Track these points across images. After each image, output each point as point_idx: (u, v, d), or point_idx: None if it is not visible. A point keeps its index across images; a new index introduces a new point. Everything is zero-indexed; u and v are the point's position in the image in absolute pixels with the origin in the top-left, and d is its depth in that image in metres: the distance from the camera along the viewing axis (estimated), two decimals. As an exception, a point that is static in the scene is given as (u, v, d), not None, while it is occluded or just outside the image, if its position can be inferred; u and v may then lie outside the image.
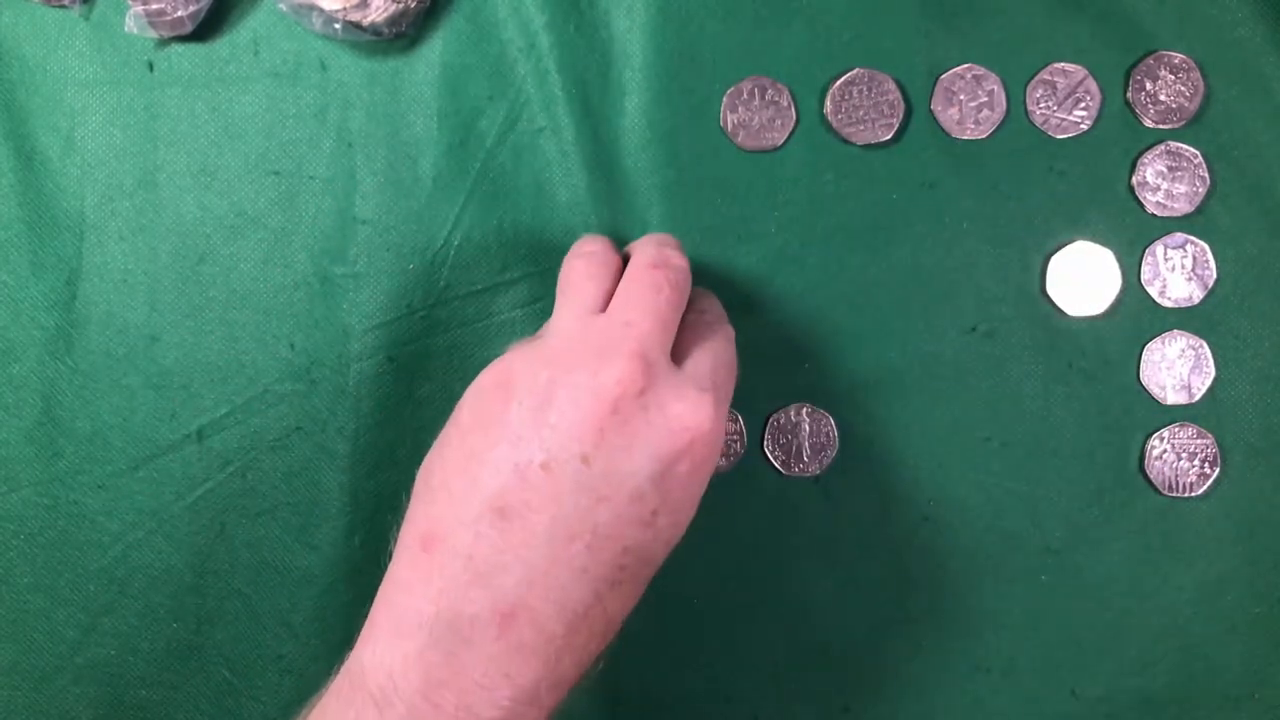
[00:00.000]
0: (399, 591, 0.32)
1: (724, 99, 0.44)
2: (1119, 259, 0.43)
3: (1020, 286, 0.44)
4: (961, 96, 0.44)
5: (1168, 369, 0.43)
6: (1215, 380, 0.43)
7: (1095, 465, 0.43)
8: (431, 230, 0.44)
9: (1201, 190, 0.43)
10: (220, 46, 0.44)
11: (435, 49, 0.44)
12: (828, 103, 0.44)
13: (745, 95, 0.44)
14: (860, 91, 0.43)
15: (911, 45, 0.44)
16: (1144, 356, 0.43)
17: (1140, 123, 0.44)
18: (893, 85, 0.43)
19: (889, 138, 0.44)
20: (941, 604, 0.43)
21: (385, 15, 0.41)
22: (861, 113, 0.43)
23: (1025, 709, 0.43)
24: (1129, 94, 0.44)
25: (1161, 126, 0.44)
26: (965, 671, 0.43)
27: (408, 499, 0.33)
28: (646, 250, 0.36)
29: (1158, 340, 0.43)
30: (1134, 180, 0.44)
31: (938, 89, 0.44)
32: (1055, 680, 0.43)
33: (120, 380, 0.44)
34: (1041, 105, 0.44)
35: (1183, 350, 0.43)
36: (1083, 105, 0.44)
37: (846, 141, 0.44)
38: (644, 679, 0.43)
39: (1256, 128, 0.44)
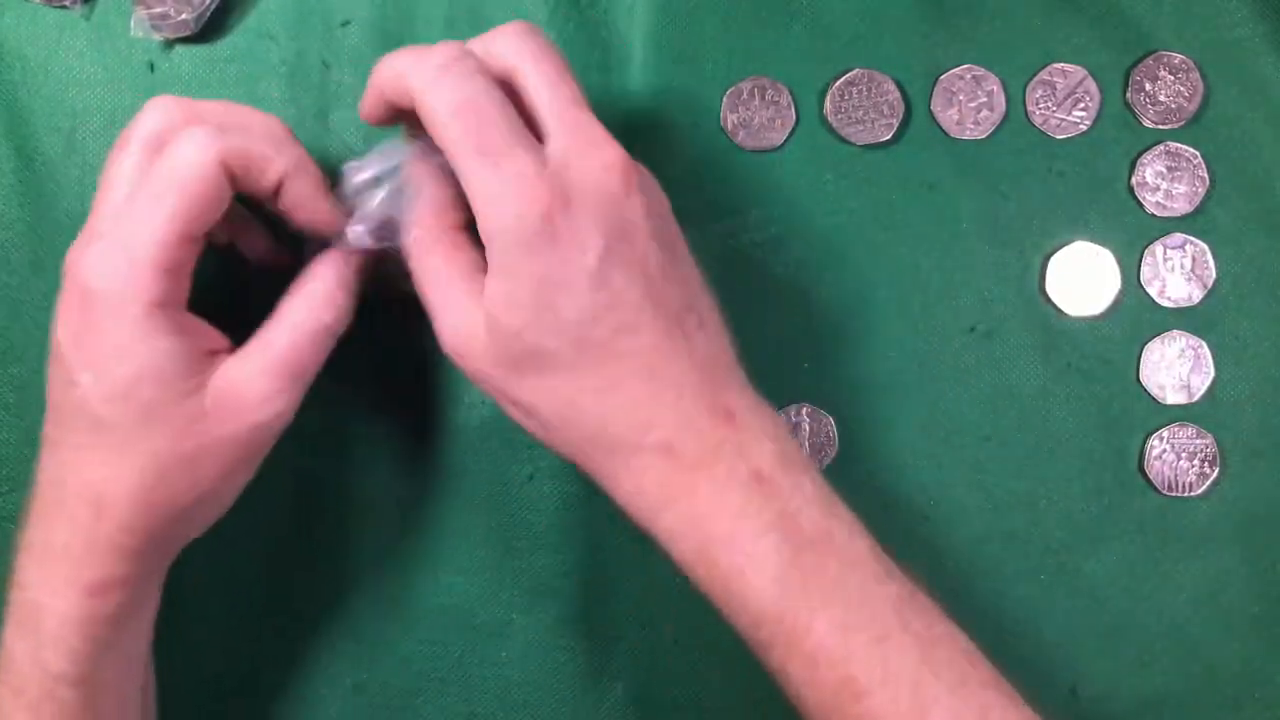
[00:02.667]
0: None
1: (724, 99, 0.44)
2: (1118, 259, 0.44)
3: (1020, 286, 0.44)
4: (961, 97, 0.44)
5: (1167, 369, 0.43)
6: (1214, 380, 0.43)
7: (1095, 465, 0.43)
8: (432, 230, 0.44)
9: (1201, 190, 0.43)
10: (222, 47, 0.44)
11: (436, 50, 0.44)
12: (827, 103, 0.44)
13: (745, 95, 0.44)
14: (860, 92, 0.43)
15: (911, 46, 0.44)
16: (1143, 356, 0.43)
17: (1139, 123, 0.44)
18: (892, 85, 0.43)
19: (888, 138, 0.44)
20: (941, 604, 0.43)
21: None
22: (861, 113, 0.43)
23: (1025, 708, 0.43)
24: (1128, 94, 0.44)
25: (1161, 127, 0.44)
26: (965, 671, 0.43)
27: None
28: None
29: (1157, 340, 0.43)
30: (1133, 180, 0.44)
31: (937, 89, 0.44)
32: (1055, 680, 0.43)
33: (121, 380, 0.44)
34: (1041, 106, 0.44)
35: (1182, 350, 0.43)
36: (1082, 105, 0.44)
37: (846, 141, 0.44)
38: (643, 679, 0.43)
39: (1256, 128, 0.44)
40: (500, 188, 0.31)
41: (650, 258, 0.32)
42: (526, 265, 0.31)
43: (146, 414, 0.33)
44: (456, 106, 0.32)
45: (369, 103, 0.35)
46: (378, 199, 0.37)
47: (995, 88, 0.44)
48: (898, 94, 0.43)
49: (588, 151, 0.32)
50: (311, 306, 0.35)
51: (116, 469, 0.33)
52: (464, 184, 0.32)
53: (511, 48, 0.34)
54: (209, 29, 0.44)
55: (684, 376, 0.32)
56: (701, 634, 0.43)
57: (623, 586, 0.43)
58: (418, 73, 0.32)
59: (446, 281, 0.34)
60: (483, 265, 0.33)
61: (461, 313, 0.33)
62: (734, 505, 0.32)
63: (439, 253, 0.35)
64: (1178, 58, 0.44)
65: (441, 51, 0.33)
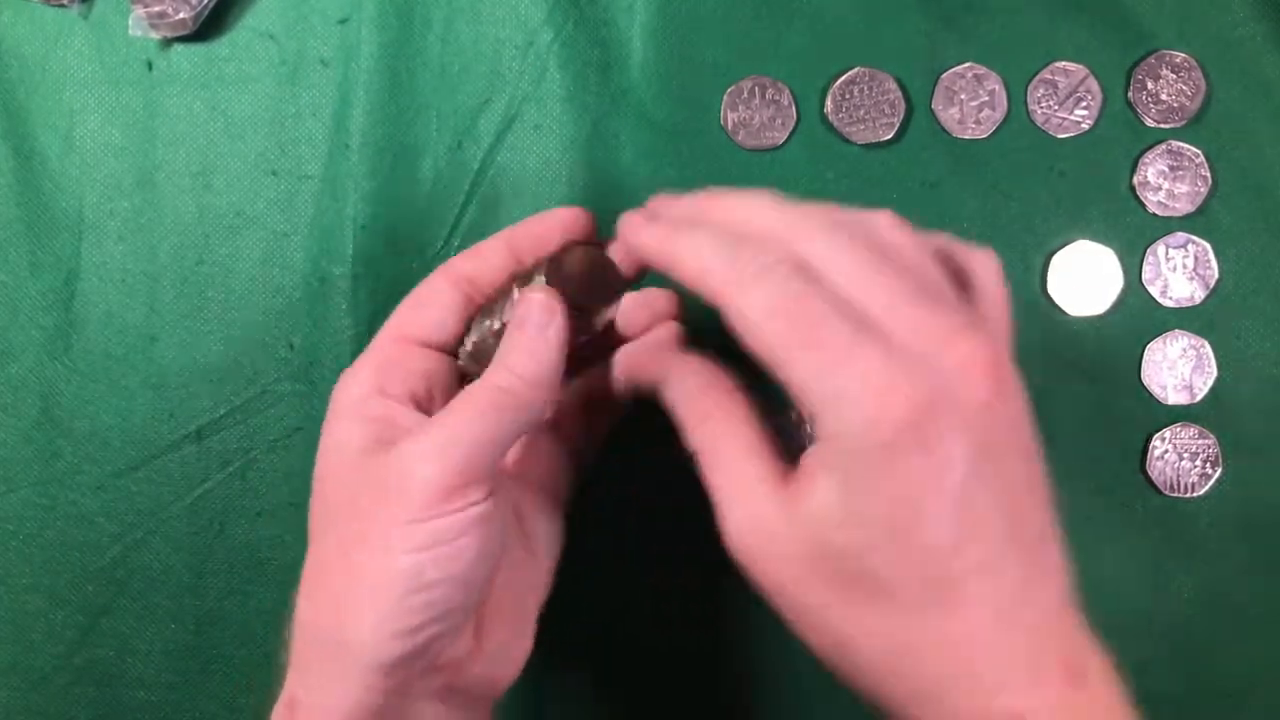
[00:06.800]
0: None
1: (724, 98, 0.44)
2: (1120, 259, 0.43)
3: (1022, 286, 0.43)
4: (962, 96, 0.43)
5: (1169, 369, 0.43)
6: (1217, 380, 0.43)
7: (1096, 465, 0.43)
8: (431, 230, 0.44)
9: (1203, 190, 0.43)
10: (220, 46, 0.44)
11: (434, 48, 0.44)
12: (828, 102, 0.43)
13: (746, 94, 0.44)
14: (861, 90, 0.43)
15: (912, 44, 0.44)
16: (1145, 356, 0.43)
17: (1141, 122, 0.44)
18: (893, 84, 0.43)
19: (890, 137, 0.43)
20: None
21: None
22: (862, 112, 0.43)
23: (1026, 710, 0.43)
24: (1130, 93, 0.44)
25: (1163, 126, 0.44)
26: (966, 672, 0.43)
27: None
28: None
29: (1159, 340, 0.43)
30: (1135, 180, 0.44)
31: (939, 88, 0.44)
32: (1056, 681, 0.43)
33: (119, 380, 0.44)
34: (1043, 105, 0.43)
35: (1184, 350, 0.43)
36: (1084, 104, 0.43)
37: (847, 141, 0.44)
38: (644, 679, 0.43)
39: (1258, 127, 0.43)
40: (848, 384, 0.26)
41: (1015, 479, 0.27)
42: (879, 477, 0.26)
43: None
44: (776, 305, 0.27)
45: (620, 254, 0.34)
46: None
47: (997, 86, 0.43)
48: (899, 93, 0.43)
49: (941, 346, 0.26)
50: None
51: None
52: (792, 386, 0.27)
53: (821, 234, 0.29)
54: (207, 27, 0.44)
55: (1039, 624, 0.27)
56: (702, 633, 0.43)
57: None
58: (727, 273, 0.28)
59: (735, 461, 0.29)
60: (769, 448, 0.30)
61: (759, 507, 0.28)
62: None
63: (722, 422, 0.30)
64: (1180, 56, 0.43)
65: (754, 256, 0.28)
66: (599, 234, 0.37)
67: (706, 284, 0.29)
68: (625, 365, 0.34)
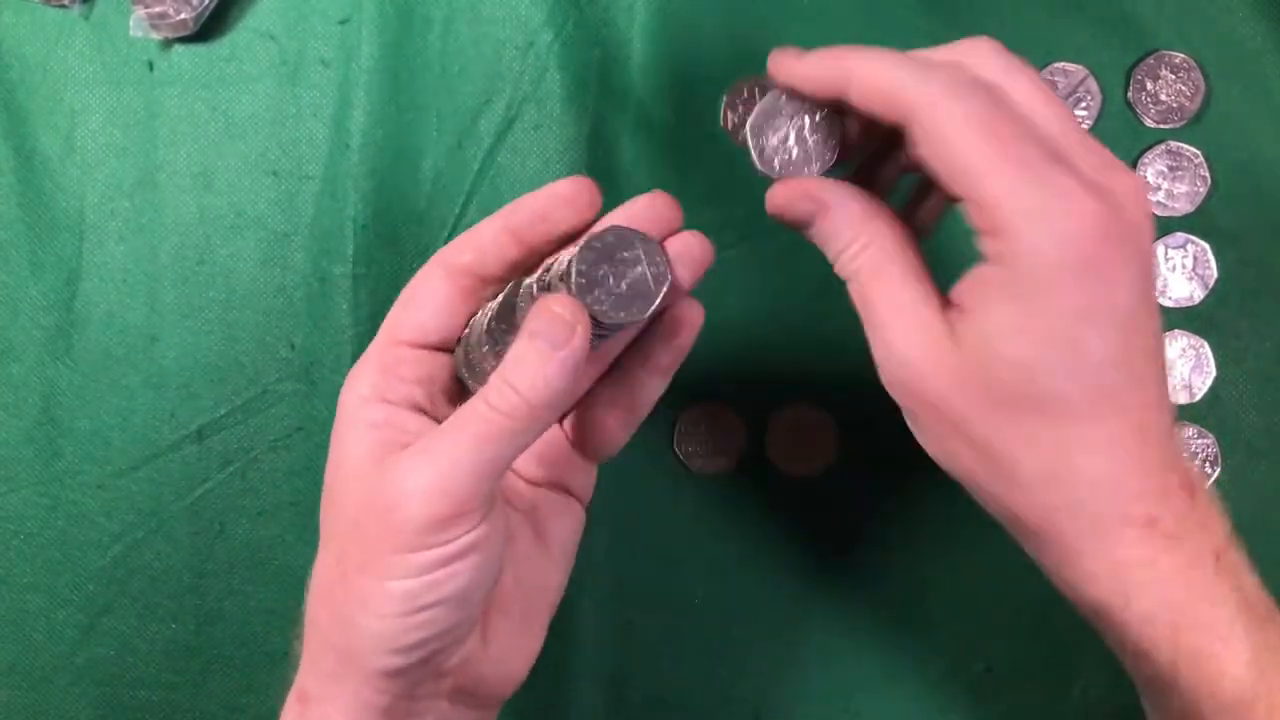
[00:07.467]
0: None
1: (724, 99, 0.44)
2: (1119, 259, 0.43)
3: (1021, 286, 0.44)
4: (962, 96, 0.44)
5: (1168, 369, 0.43)
6: (1216, 380, 0.43)
7: (1096, 465, 0.43)
8: (432, 230, 0.44)
9: (1202, 190, 0.43)
10: (220, 46, 0.44)
11: (434, 48, 0.44)
12: (828, 102, 0.44)
13: (745, 95, 0.44)
14: (860, 91, 0.43)
15: (912, 45, 0.44)
16: (1144, 356, 0.43)
17: (1141, 122, 0.44)
18: (893, 85, 0.43)
19: (889, 137, 0.43)
20: (943, 603, 0.43)
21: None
22: (862, 112, 0.43)
23: (1028, 709, 0.43)
24: (1130, 94, 0.44)
25: (1162, 126, 0.44)
26: (967, 671, 0.43)
27: None
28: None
29: (1158, 340, 0.43)
30: (1134, 180, 0.44)
31: (938, 88, 0.44)
32: (1058, 680, 0.43)
33: (120, 380, 0.44)
34: (1042, 105, 0.43)
35: (1183, 350, 0.43)
36: (1083, 105, 0.44)
37: (847, 141, 0.44)
38: (645, 679, 0.43)
39: (1257, 127, 0.44)
40: (1044, 203, 0.27)
41: (1153, 302, 0.29)
42: (1062, 294, 0.27)
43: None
44: (976, 117, 0.27)
45: (811, 82, 0.30)
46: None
47: (996, 87, 0.43)
48: (898, 93, 0.43)
49: (1113, 176, 0.28)
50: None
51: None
52: (978, 197, 0.27)
53: (991, 65, 0.30)
54: (208, 28, 0.44)
55: (1163, 439, 0.28)
56: (702, 633, 0.43)
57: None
58: (920, 85, 0.28)
59: (899, 283, 0.30)
60: (928, 274, 0.30)
61: (924, 325, 0.29)
62: (1202, 587, 0.28)
63: (885, 246, 0.30)
64: (1179, 57, 0.43)
65: (946, 72, 0.29)
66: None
67: (897, 96, 0.28)
68: (774, 202, 0.31)
